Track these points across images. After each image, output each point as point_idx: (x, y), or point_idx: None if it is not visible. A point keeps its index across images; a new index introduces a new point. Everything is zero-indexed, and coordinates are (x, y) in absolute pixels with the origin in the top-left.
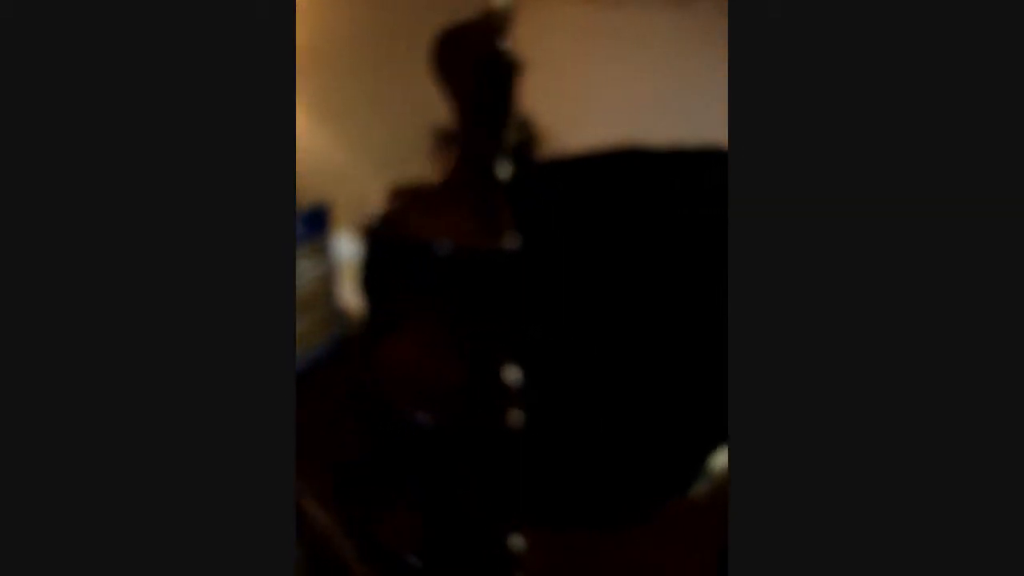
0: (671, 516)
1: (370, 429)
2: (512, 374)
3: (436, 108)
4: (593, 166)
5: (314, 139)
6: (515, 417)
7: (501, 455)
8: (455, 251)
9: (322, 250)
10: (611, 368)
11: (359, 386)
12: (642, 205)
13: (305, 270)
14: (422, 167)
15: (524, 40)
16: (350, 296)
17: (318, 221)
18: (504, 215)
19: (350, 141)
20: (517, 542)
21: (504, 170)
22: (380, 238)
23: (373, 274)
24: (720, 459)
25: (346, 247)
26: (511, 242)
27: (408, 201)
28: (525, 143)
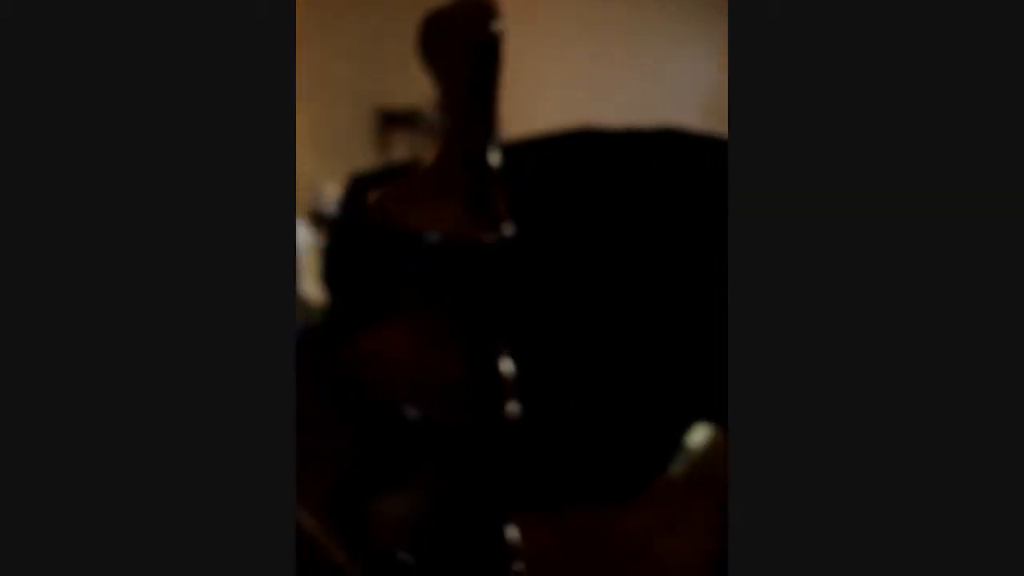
0: (659, 494)
1: (360, 424)
2: (508, 365)
3: (379, 87)
4: (547, 148)
5: None
6: (512, 408)
7: (499, 447)
8: (447, 241)
9: None
10: (591, 352)
11: (345, 381)
12: (598, 187)
13: None
14: (368, 151)
15: None
16: (309, 285)
17: None
18: (500, 203)
19: None
20: (513, 533)
21: (495, 157)
22: (348, 228)
23: (337, 265)
24: (697, 436)
25: (301, 235)
26: (507, 230)
27: (388, 189)
28: None
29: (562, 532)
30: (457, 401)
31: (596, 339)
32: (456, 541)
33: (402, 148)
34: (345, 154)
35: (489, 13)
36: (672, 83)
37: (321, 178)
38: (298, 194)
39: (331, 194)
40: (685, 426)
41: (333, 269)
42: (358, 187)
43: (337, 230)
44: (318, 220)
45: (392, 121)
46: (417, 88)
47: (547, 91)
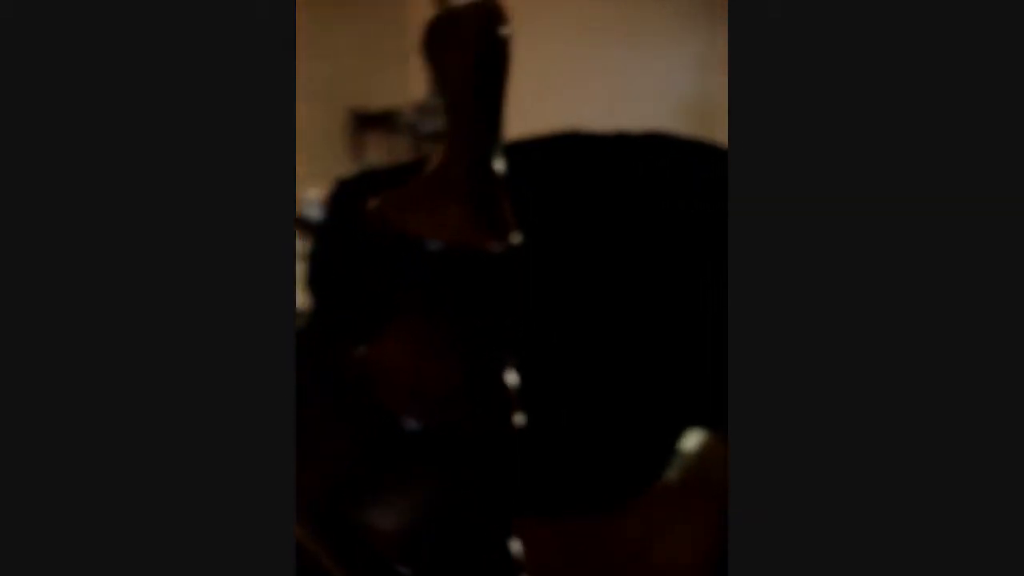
0: (656, 499)
1: (360, 434)
2: (513, 374)
3: (352, 89)
4: (534, 151)
5: None
6: (518, 419)
7: (501, 458)
8: (450, 248)
9: None
10: (587, 359)
11: (339, 387)
12: (587, 191)
13: None
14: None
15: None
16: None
17: None
18: (507, 210)
19: None
20: (516, 544)
21: (500, 163)
22: (334, 232)
23: (323, 270)
24: (691, 441)
25: None
26: (516, 238)
27: (387, 194)
28: None
29: (561, 537)
30: (458, 412)
31: (591, 346)
32: (456, 551)
33: (377, 150)
34: (319, 156)
35: (497, 17)
36: (650, 85)
37: (297, 181)
38: None
39: (312, 198)
40: (680, 432)
41: (319, 274)
42: (343, 191)
43: (323, 235)
44: (300, 225)
45: (366, 123)
46: (391, 89)
47: (527, 95)
